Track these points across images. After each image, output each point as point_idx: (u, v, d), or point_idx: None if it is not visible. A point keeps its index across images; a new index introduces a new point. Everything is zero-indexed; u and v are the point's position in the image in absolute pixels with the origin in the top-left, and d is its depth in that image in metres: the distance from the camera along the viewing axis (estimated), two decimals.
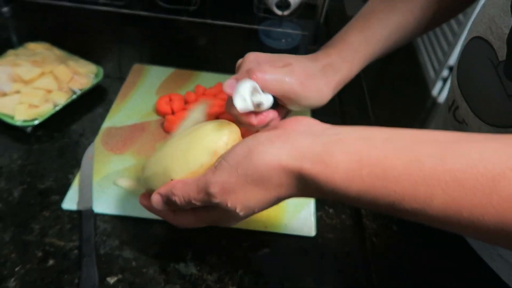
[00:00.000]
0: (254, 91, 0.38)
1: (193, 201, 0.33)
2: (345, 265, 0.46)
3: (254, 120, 0.40)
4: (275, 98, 0.41)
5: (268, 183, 0.30)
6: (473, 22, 0.43)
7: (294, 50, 0.80)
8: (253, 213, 0.33)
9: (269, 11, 0.78)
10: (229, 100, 0.39)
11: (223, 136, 0.36)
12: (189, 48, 0.76)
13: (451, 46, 1.69)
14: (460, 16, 1.41)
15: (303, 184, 0.30)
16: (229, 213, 0.33)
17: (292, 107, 0.43)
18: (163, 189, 0.36)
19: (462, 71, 0.43)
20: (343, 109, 0.66)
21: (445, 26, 1.44)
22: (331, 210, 0.51)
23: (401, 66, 2.08)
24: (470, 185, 0.25)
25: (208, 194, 0.32)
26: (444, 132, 0.28)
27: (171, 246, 0.45)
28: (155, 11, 0.77)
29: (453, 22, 1.38)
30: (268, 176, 0.30)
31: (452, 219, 0.26)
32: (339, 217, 0.50)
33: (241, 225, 0.42)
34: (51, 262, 0.42)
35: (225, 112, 0.41)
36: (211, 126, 0.37)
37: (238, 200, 0.31)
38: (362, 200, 0.28)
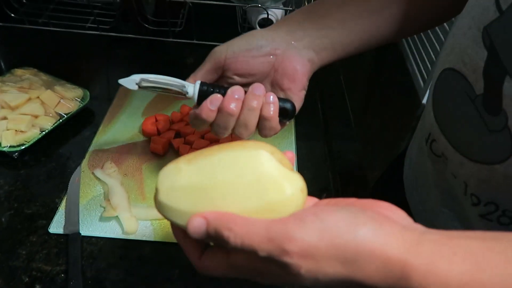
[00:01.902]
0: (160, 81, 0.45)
1: (257, 249, 0.25)
2: None
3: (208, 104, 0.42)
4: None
5: (360, 268, 0.25)
6: (443, 51, 0.40)
7: None
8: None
9: (253, 29, 0.80)
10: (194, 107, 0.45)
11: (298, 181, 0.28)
12: (175, 68, 0.77)
13: (438, 55, 1.71)
14: (445, 24, 1.44)
15: (401, 284, 0.24)
16: (289, 278, 0.26)
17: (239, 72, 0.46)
18: (213, 216, 0.27)
19: (437, 104, 0.40)
20: (326, 119, 0.67)
21: (430, 34, 1.46)
22: None
23: (390, 74, 2.10)
24: None
25: (282, 250, 0.25)
26: None
27: (157, 266, 0.46)
28: (141, 33, 0.79)
29: (438, 30, 1.40)
30: (366, 262, 0.25)
31: None
32: None
33: None
34: (37, 287, 0.43)
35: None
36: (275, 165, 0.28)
37: (316, 271, 0.25)
38: None
